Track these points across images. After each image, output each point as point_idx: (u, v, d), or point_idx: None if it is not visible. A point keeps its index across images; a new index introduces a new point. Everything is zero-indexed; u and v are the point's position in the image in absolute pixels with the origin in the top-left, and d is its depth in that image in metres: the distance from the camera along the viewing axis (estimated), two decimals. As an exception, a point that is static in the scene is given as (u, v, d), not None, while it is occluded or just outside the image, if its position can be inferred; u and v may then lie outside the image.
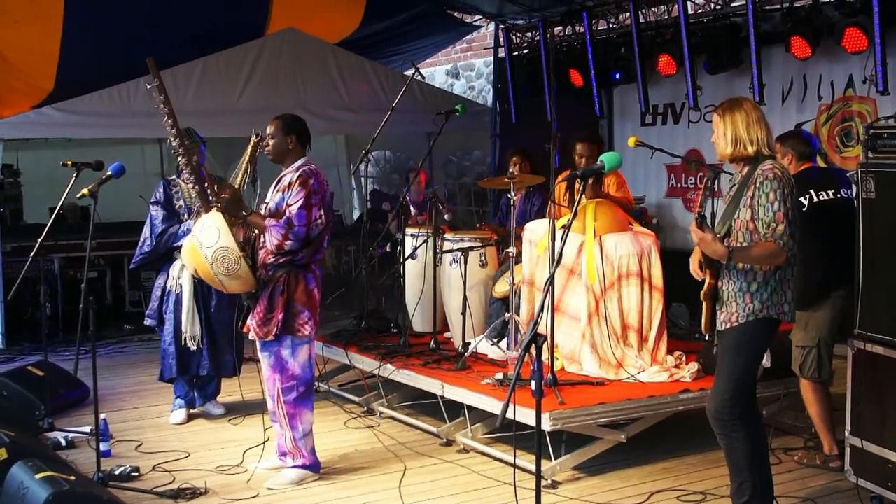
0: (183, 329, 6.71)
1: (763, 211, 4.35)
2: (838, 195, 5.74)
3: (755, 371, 4.58)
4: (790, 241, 4.34)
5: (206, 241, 5.33)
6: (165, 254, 6.83)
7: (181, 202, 6.85)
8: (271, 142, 5.55)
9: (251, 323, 5.49)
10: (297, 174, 5.43)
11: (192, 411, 7.00)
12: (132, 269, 7.46)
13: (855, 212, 5.14)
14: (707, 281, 4.59)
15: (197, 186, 5.83)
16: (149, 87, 5.81)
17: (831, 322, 5.64)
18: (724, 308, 4.53)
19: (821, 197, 5.69)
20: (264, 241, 5.41)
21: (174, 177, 6.95)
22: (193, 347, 6.73)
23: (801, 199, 5.50)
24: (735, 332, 4.48)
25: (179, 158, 5.90)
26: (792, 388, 6.26)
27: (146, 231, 6.86)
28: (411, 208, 9.55)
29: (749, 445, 4.49)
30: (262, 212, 5.52)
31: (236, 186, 5.63)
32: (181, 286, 6.74)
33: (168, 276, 6.83)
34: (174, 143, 5.85)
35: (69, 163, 6.00)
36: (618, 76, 10.45)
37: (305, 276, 5.49)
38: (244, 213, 5.42)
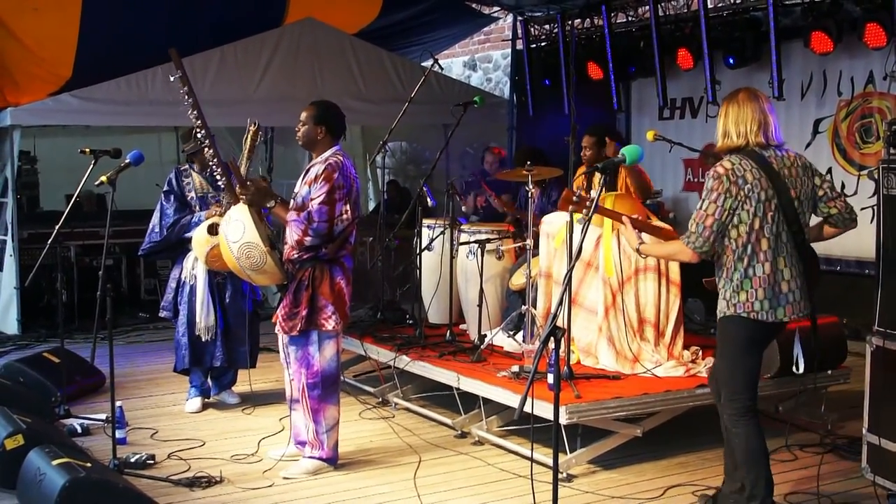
0: (197, 320, 6.71)
1: (696, 208, 4.40)
2: None
3: (741, 369, 4.54)
4: (698, 240, 4.37)
5: (232, 236, 5.32)
6: (177, 244, 6.84)
7: (192, 193, 6.84)
8: (302, 128, 5.49)
9: (279, 314, 5.48)
10: (324, 167, 5.36)
11: (207, 400, 7.01)
12: (140, 256, 7.45)
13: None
14: None
15: (224, 178, 5.81)
16: (172, 78, 5.79)
17: None
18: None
19: None
20: (287, 236, 5.40)
21: (186, 167, 6.94)
22: (206, 338, 6.73)
23: None
24: (717, 328, 4.57)
25: (206, 151, 5.88)
26: (808, 384, 6.23)
27: (155, 219, 6.87)
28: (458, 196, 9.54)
29: (747, 444, 4.53)
30: (291, 204, 5.49)
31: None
32: (195, 277, 6.74)
33: (182, 267, 6.84)
34: (200, 135, 5.84)
35: (87, 150, 6.01)
36: (633, 69, 10.42)
37: (332, 270, 5.44)
38: (269, 205, 5.40)
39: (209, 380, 7.04)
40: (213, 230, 6.30)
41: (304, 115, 5.50)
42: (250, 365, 6.90)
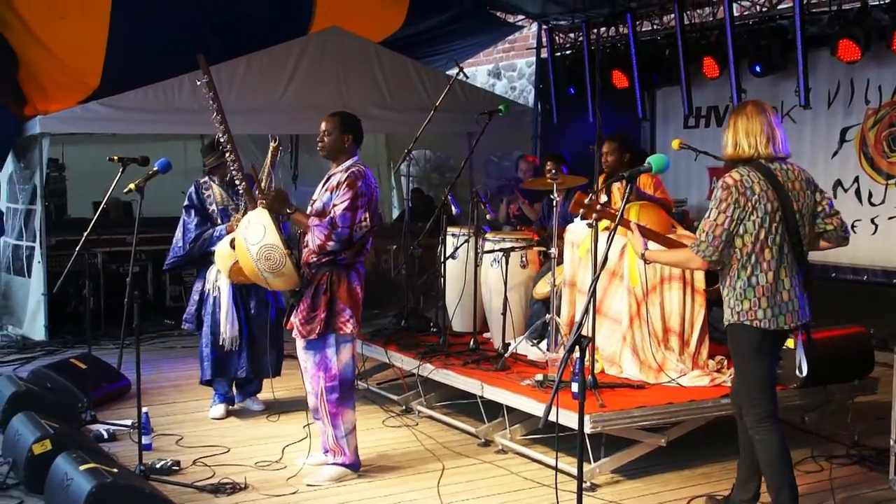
0: (221, 331, 6.74)
1: (705, 215, 4.50)
2: None
3: (754, 376, 4.64)
4: (707, 249, 4.47)
5: (252, 238, 5.36)
6: (200, 258, 6.87)
7: (213, 206, 6.88)
8: (327, 138, 5.54)
9: (294, 321, 5.51)
10: (346, 175, 5.42)
11: (231, 407, 7.04)
12: (165, 271, 7.48)
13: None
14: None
15: (245, 183, 5.86)
16: (199, 83, 5.85)
17: None
18: None
19: None
20: (307, 241, 5.43)
21: (205, 178, 6.98)
22: (230, 348, 6.75)
23: None
24: (727, 335, 4.67)
25: (227, 155, 5.93)
26: (835, 395, 6.20)
27: (178, 234, 6.90)
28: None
29: (770, 448, 4.59)
30: (309, 210, 5.54)
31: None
32: (219, 288, 6.77)
33: (205, 279, 6.87)
34: (223, 139, 5.88)
35: (115, 158, 6.07)
36: (656, 78, 10.41)
37: (349, 275, 5.50)
38: (288, 210, 5.44)
39: (234, 387, 7.07)
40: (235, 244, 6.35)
41: (326, 126, 5.55)
42: (274, 373, 6.95)
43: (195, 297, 6.95)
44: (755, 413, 4.62)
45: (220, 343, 6.75)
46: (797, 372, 4.96)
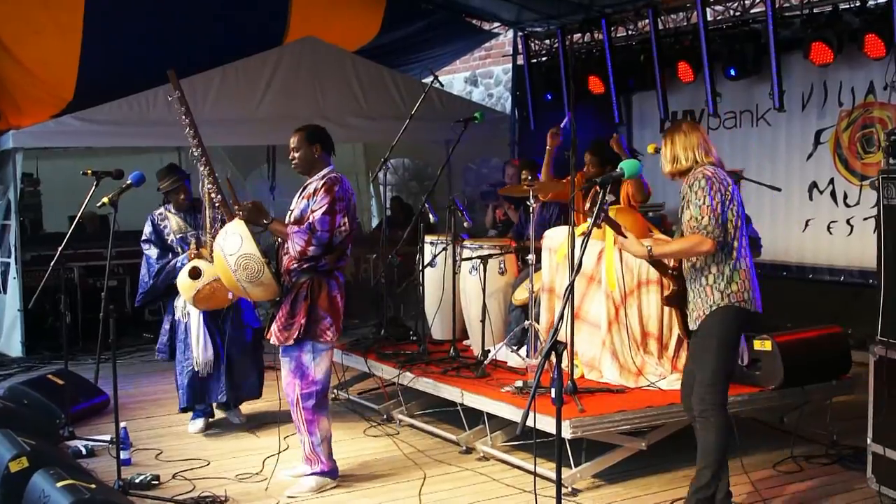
0: (194, 355, 6.70)
1: (693, 208, 4.69)
2: None
3: (730, 359, 4.81)
4: (716, 230, 4.65)
5: (229, 249, 5.37)
6: (167, 290, 6.82)
7: (171, 236, 6.84)
8: (296, 154, 5.60)
9: (273, 328, 5.52)
10: (323, 181, 5.48)
11: (211, 420, 7.02)
12: (138, 306, 7.47)
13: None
14: (671, 287, 4.98)
15: (220, 196, 5.88)
16: (170, 98, 5.87)
17: None
18: (692, 309, 4.86)
19: None
20: (287, 248, 5.44)
21: (161, 209, 6.95)
22: (205, 373, 6.72)
23: None
24: (703, 323, 4.78)
25: (201, 168, 5.94)
26: (813, 395, 6.25)
27: (143, 269, 6.89)
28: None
29: (717, 434, 4.73)
30: (286, 219, 5.56)
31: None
32: (189, 314, 6.74)
33: (174, 307, 6.84)
34: (196, 153, 5.90)
35: (89, 172, 6.05)
36: (632, 83, 10.46)
37: (329, 283, 5.52)
38: (265, 220, 5.44)
39: (212, 406, 7.03)
40: (194, 274, 6.35)
41: (293, 143, 5.62)
42: (257, 395, 7.02)
43: (165, 326, 6.92)
44: (718, 398, 4.76)
45: (195, 369, 6.71)
46: (739, 360, 5.25)
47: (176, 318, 6.82)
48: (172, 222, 6.86)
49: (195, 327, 6.70)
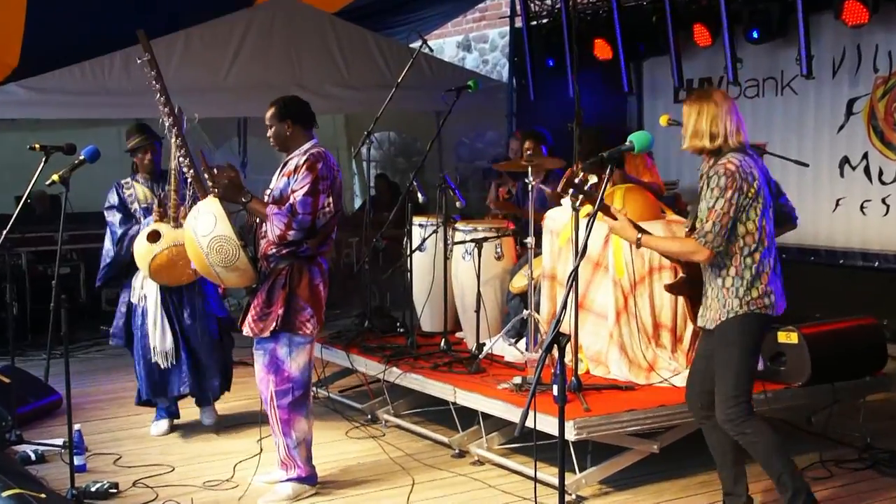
0: (152, 345, 6.69)
1: (703, 205, 4.68)
2: None
3: (753, 367, 4.85)
4: (716, 240, 4.63)
5: (202, 230, 5.35)
6: (129, 266, 6.77)
7: (136, 205, 6.81)
8: (270, 131, 5.62)
9: (248, 318, 5.51)
10: (305, 157, 5.47)
11: (176, 421, 7.01)
12: (99, 286, 7.43)
13: None
14: (679, 273, 5.02)
15: (192, 170, 5.86)
16: (139, 61, 5.86)
17: None
18: (707, 306, 4.87)
19: None
20: (266, 230, 5.43)
21: (127, 179, 6.92)
22: (165, 365, 6.72)
23: None
24: (722, 329, 4.79)
25: (172, 140, 5.93)
26: (844, 393, 6.25)
27: (106, 242, 6.85)
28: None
29: (766, 437, 4.77)
30: (266, 200, 5.54)
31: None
32: (146, 298, 6.73)
33: (131, 288, 6.81)
34: (167, 122, 5.88)
35: (38, 146, 6.01)
36: (643, 48, 10.45)
37: (310, 270, 5.52)
38: (244, 199, 5.42)
39: (176, 404, 7.02)
40: (153, 237, 6.31)
41: (267, 117, 5.63)
42: (218, 395, 7.02)
43: (122, 308, 6.90)
44: (741, 409, 4.77)
45: (154, 359, 6.70)
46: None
47: (132, 301, 6.80)
48: (138, 191, 6.83)
49: (152, 311, 6.69)
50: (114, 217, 6.81)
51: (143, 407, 7.05)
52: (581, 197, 4.72)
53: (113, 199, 6.85)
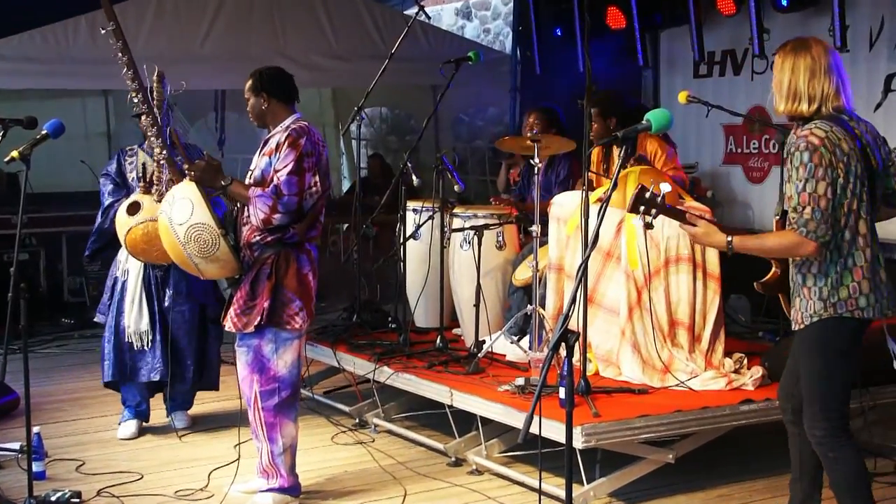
0: (126, 323, 6.72)
1: (792, 190, 4.31)
2: None
3: (840, 379, 4.52)
4: (819, 228, 4.26)
5: (178, 217, 5.34)
6: (116, 239, 6.80)
7: (134, 173, 6.82)
8: (248, 105, 5.66)
9: (230, 312, 5.51)
10: (286, 134, 5.46)
11: (145, 424, 7.02)
12: (87, 257, 7.43)
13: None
14: (773, 269, 4.68)
15: (165, 152, 5.85)
16: (104, 31, 5.83)
17: None
18: (792, 304, 4.54)
19: None
20: (249, 216, 5.42)
21: (134, 146, 6.94)
22: (139, 346, 6.73)
23: None
24: (803, 335, 4.51)
25: (143, 118, 5.91)
26: (880, 398, 6.25)
27: (99, 213, 6.91)
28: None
29: (849, 468, 4.50)
30: (247, 181, 5.52)
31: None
32: (128, 272, 6.75)
33: (117, 261, 6.86)
34: (135, 99, 5.87)
35: (-7, 120, 6.00)
36: (659, 17, 10.42)
37: (298, 258, 5.52)
38: (223, 182, 5.42)
39: (146, 401, 7.01)
40: (132, 209, 6.31)
41: (245, 90, 5.67)
42: (207, 385, 7.03)
43: (109, 283, 6.95)
44: (830, 425, 4.48)
45: (127, 339, 6.72)
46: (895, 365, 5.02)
47: (117, 275, 6.82)
48: (140, 160, 6.81)
49: (132, 288, 6.71)
50: (105, 186, 6.87)
51: (113, 392, 7.04)
52: (654, 211, 4.44)
53: (111, 166, 6.91)
